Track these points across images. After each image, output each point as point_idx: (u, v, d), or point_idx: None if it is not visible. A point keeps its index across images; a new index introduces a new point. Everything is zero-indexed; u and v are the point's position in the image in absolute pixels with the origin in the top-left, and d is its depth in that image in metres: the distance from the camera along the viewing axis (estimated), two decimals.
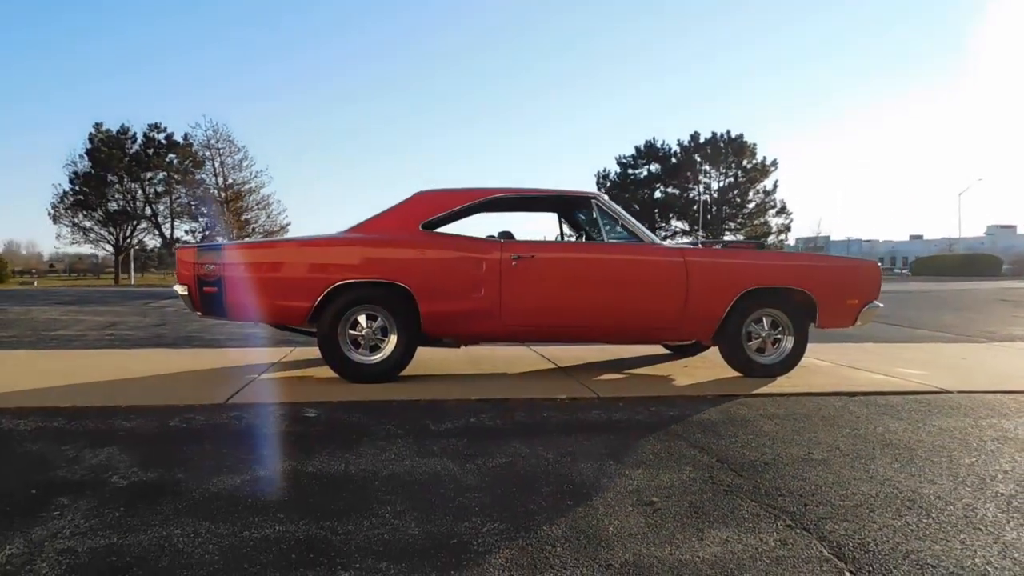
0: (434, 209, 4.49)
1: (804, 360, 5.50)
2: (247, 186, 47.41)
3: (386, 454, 2.86)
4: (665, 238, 56.12)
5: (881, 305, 4.77)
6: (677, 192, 54.24)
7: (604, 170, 56.08)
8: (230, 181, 47.23)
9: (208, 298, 4.20)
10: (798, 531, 2.11)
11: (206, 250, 4.27)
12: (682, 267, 4.43)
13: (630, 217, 4.70)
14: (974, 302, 14.97)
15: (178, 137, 47.28)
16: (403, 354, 4.34)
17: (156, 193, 47.41)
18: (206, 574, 1.83)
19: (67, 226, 45.75)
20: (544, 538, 2.06)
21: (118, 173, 45.96)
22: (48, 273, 52.29)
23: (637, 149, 55.10)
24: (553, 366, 5.11)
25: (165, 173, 46.94)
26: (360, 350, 4.37)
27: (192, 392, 3.97)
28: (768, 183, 51.61)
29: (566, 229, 5.66)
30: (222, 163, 47.19)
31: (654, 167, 54.66)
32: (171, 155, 47.16)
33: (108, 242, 45.12)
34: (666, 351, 5.85)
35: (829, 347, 6.45)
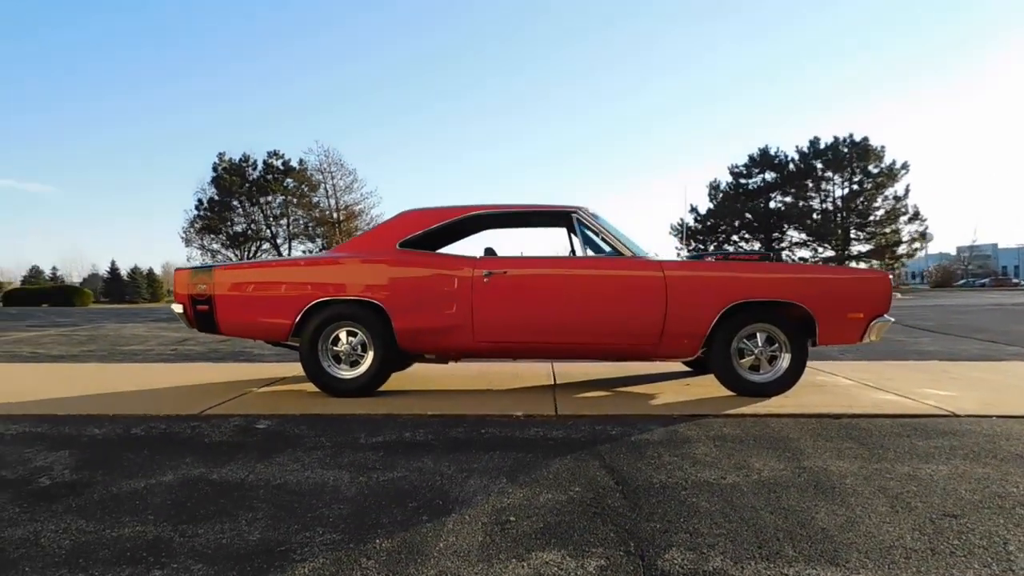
0: (413, 227, 4.64)
1: (825, 377, 5.15)
2: (358, 207, 50.50)
3: (294, 464, 3.00)
4: (782, 250, 53.52)
5: (892, 320, 4.36)
6: (795, 201, 51.56)
7: (715, 180, 54.45)
8: (342, 203, 50.56)
9: (201, 316, 4.57)
10: (631, 558, 2.02)
11: (199, 272, 4.65)
12: (660, 282, 4.29)
13: (614, 230, 4.61)
14: None
15: (294, 163, 51.15)
16: (380, 369, 4.49)
17: (275, 216, 51.52)
18: (42, 565, 2.03)
19: (197, 248, 50.56)
20: (366, 550, 2.11)
21: (240, 198, 50.42)
22: None
23: (751, 158, 53.07)
24: (549, 383, 5.08)
25: (283, 197, 50.93)
26: (341, 365, 4.57)
27: (179, 403, 4.32)
28: (899, 188, 47.89)
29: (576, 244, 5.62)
30: (334, 185, 50.67)
31: (769, 175, 52.41)
32: (288, 180, 51.08)
33: None
34: (687, 368, 5.65)
35: (877, 364, 5.95)
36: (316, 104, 78.43)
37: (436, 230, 4.68)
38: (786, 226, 51.78)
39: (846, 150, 48.57)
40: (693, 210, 54.49)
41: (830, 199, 50.28)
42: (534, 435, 3.47)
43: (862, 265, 59.78)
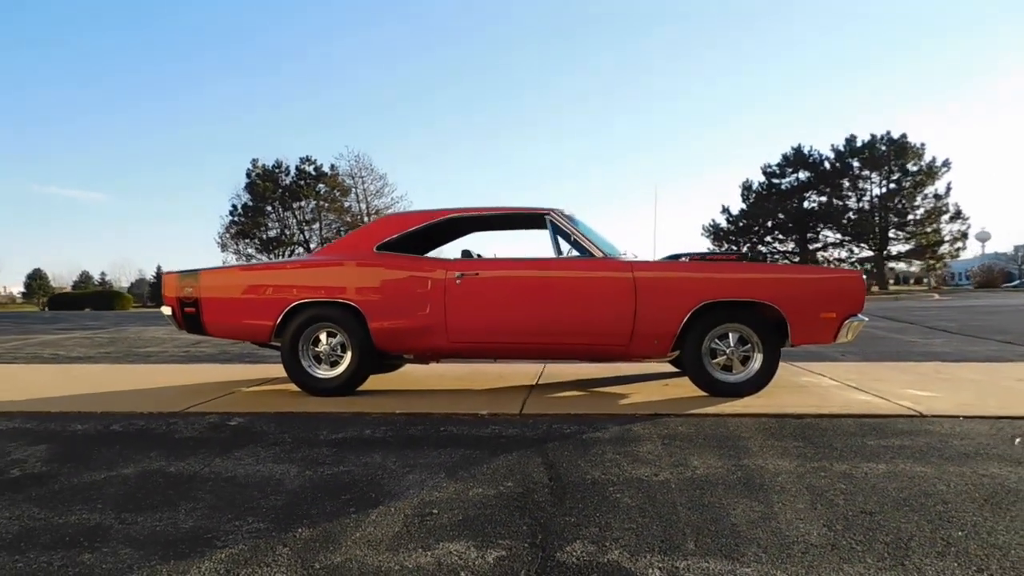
0: (391, 231, 4.77)
1: (811, 378, 5.12)
2: (389, 211, 51.23)
3: (249, 459, 3.14)
4: (816, 250, 52.52)
5: (866, 319, 4.32)
6: (831, 201, 50.52)
7: (747, 180, 53.64)
8: (372, 206, 51.39)
9: (188, 318, 4.77)
10: (533, 550, 2.10)
11: (186, 275, 4.85)
12: (629, 282, 4.33)
13: (585, 232, 4.67)
14: None
15: (326, 168, 52.13)
16: (357, 369, 4.63)
17: (307, 220, 52.57)
18: None
19: (232, 253, 51.83)
20: (285, 539, 2.22)
21: (273, 203, 51.59)
22: None
23: (784, 157, 52.15)
24: (531, 383, 5.15)
25: (315, 202, 51.96)
26: (322, 365, 4.72)
27: (166, 402, 4.52)
28: (939, 186, 46.52)
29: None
30: (364, 190, 51.56)
31: (803, 175, 51.44)
32: (320, 185, 52.08)
33: None
34: (676, 368, 5.67)
35: (873, 365, 5.88)
36: (357, 109, 79.64)
37: (413, 233, 4.79)
38: (820, 226, 50.77)
39: (884, 148, 47.40)
40: (725, 211, 53.78)
41: (866, 198, 49.13)
42: (490, 433, 3.56)
43: (901, 265, 58.20)
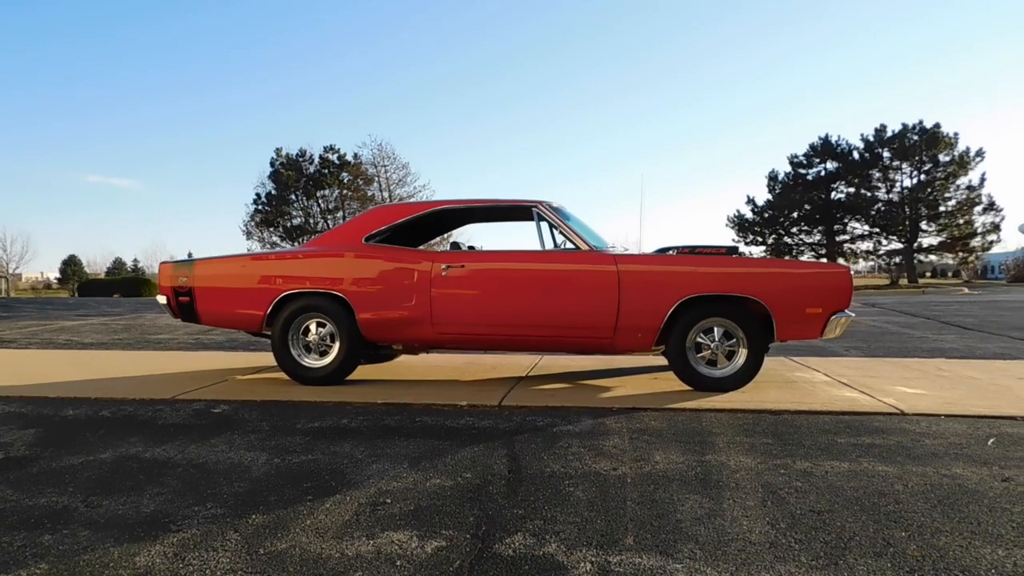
0: (379, 223, 4.82)
1: (804, 373, 5.08)
2: (412, 200, 51.47)
3: (224, 446, 3.23)
4: (843, 243, 51.66)
5: (852, 315, 4.27)
6: (859, 192, 49.56)
7: (773, 171, 52.82)
8: (395, 195, 51.68)
9: (183, 306, 4.88)
10: (473, 541, 2.15)
11: (180, 265, 4.96)
12: (614, 276, 4.33)
13: (573, 225, 4.67)
14: None
15: (349, 157, 52.49)
16: (346, 359, 4.70)
17: (330, 209, 53.03)
18: None
19: (257, 241, 52.51)
20: (238, 524, 2.29)
21: (296, 192, 52.12)
22: None
23: (812, 147, 51.20)
24: (521, 375, 5.18)
25: (338, 190, 52.39)
26: (312, 355, 4.80)
27: (159, 388, 4.64)
28: (973, 177, 45.35)
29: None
30: (387, 179, 51.85)
31: (831, 165, 50.50)
32: (344, 174, 52.47)
33: None
34: None
35: (874, 361, 5.81)
36: (389, 103, 79.92)
37: (401, 225, 4.84)
38: (848, 218, 49.84)
39: (915, 138, 46.30)
40: (750, 201, 53.07)
41: (896, 189, 48.08)
42: (464, 424, 3.60)
43: (932, 258, 56.87)
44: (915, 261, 49.54)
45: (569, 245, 4.66)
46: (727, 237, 54.49)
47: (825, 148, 50.56)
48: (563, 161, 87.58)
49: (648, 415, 3.72)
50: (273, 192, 52.63)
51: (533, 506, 2.41)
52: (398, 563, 1.99)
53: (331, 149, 53.60)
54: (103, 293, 43.62)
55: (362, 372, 5.22)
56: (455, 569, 1.95)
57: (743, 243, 52.95)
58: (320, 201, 52.75)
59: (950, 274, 67.24)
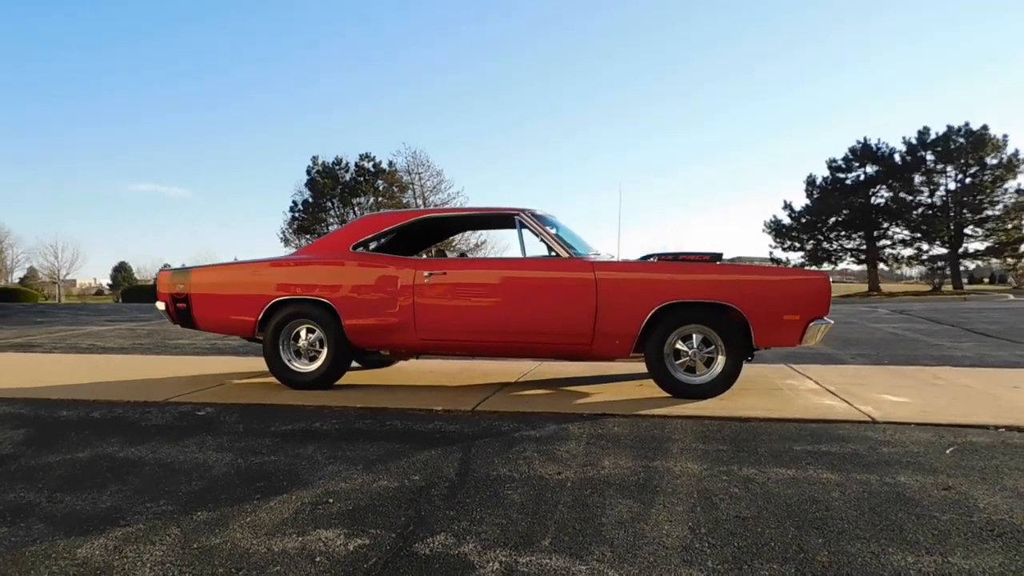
0: (367, 231, 4.95)
1: (791, 381, 5.03)
2: (446, 206, 51.99)
3: (195, 447, 3.38)
4: (884, 247, 50.40)
5: (831, 322, 4.23)
6: (899, 196, 48.32)
7: (810, 175, 51.81)
8: (430, 203, 52.31)
9: (180, 312, 5.09)
10: (396, 540, 2.23)
11: (178, 272, 5.17)
12: (591, 283, 4.38)
13: (557, 232, 4.73)
14: None
15: (384, 164, 53.28)
16: (333, 364, 4.84)
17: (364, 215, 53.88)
18: None
19: (294, 248, 53.57)
20: (182, 520, 2.42)
21: (332, 199, 53.09)
22: None
23: (851, 151, 50.07)
24: (509, 380, 5.24)
25: (373, 198, 53.21)
26: (302, 359, 4.95)
27: (155, 391, 4.84)
28: (1022, 181, 43.84)
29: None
30: (422, 186, 52.52)
31: (870, 169, 49.37)
32: (379, 181, 53.26)
33: None
34: None
35: (870, 369, 5.72)
36: (432, 106, 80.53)
37: (388, 233, 4.97)
38: (889, 222, 48.63)
39: (961, 140, 44.97)
40: (787, 206, 52.15)
41: (939, 193, 46.72)
42: (431, 428, 3.69)
43: (994, 263, 55.04)
44: (960, 267, 48.03)
45: (564, 254, 4.73)
46: (763, 244, 53.56)
47: (865, 152, 49.44)
48: (596, 168, 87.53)
49: (614, 421, 3.76)
50: (310, 200, 53.73)
51: (466, 508, 2.48)
52: (317, 559, 2.09)
53: (367, 157, 54.42)
54: (146, 299, 44.94)
55: (356, 377, 5.36)
56: (369, 566, 2.03)
57: (780, 249, 52.08)
58: (356, 209, 53.71)
59: (1010, 280, 65.02)
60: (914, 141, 47.57)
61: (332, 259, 4.88)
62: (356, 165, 53.91)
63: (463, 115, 79.84)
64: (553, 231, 4.74)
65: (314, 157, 54.88)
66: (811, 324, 4.17)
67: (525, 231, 4.75)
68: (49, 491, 2.75)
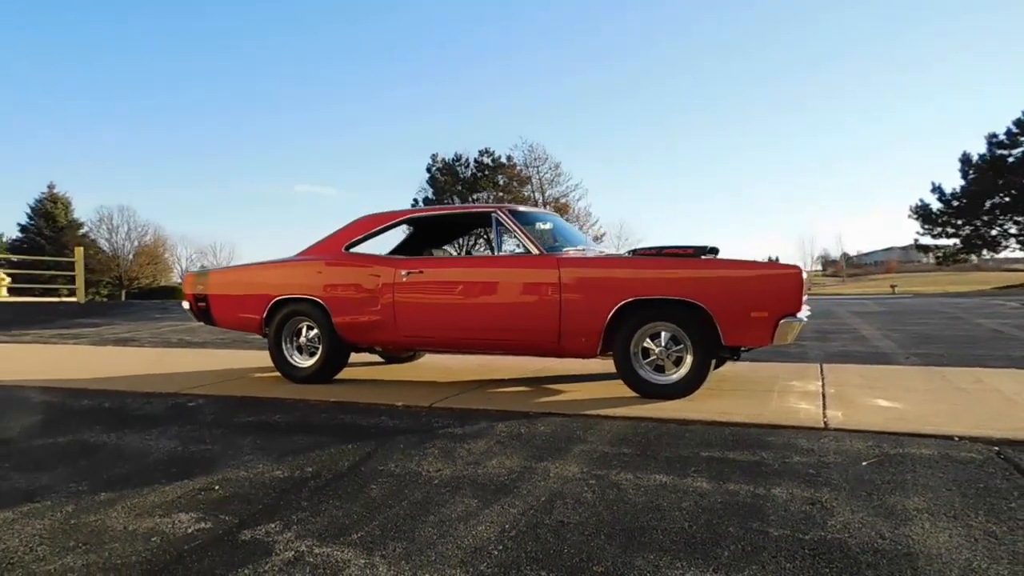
0: (359, 232, 5.24)
1: (800, 382, 4.74)
2: (564, 199, 52.41)
3: (156, 433, 3.80)
4: None
5: (804, 320, 3.94)
6: None
7: (965, 153, 46.75)
8: (548, 196, 52.88)
9: (201, 311, 5.64)
10: (230, 524, 2.42)
11: (199, 274, 5.73)
12: (555, 279, 4.37)
13: (540, 226, 4.78)
14: None
15: (503, 159, 54.35)
16: (328, 360, 5.17)
17: None
18: None
19: None
20: (82, 499, 2.79)
21: (452, 197, 54.91)
22: None
23: (1017, 123, 44.72)
24: (497, 378, 5.33)
25: (493, 193, 54.48)
26: (303, 355, 5.33)
27: (171, 384, 5.39)
28: None
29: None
30: (540, 179, 53.17)
31: None
32: (499, 176, 54.42)
33: None
34: None
35: (901, 370, 5.25)
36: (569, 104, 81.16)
37: (377, 233, 5.22)
38: None
39: None
40: (936, 189, 47.41)
41: None
42: (371, 423, 3.89)
43: None
44: None
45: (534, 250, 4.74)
46: (911, 230, 49.01)
47: None
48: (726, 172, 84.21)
49: (548, 420, 3.76)
50: (431, 197, 55.93)
51: (320, 499, 2.65)
52: (153, 539, 2.34)
53: (486, 152, 55.68)
54: None
55: (370, 372, 5.67)
56: (190, 548, 2.26)
57: (930, 236, 47.70)
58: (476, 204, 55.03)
59: None
60: None
61: (324, 259, 5.21)
62: (475, 161, 55.26)
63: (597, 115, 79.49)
64: (540, 227, 4.77)
65: (433, 155, 56.83)
66: (782, 321, 3.92)
67: (500, 228, 4.82)
68: (8, 470, 3.22)
